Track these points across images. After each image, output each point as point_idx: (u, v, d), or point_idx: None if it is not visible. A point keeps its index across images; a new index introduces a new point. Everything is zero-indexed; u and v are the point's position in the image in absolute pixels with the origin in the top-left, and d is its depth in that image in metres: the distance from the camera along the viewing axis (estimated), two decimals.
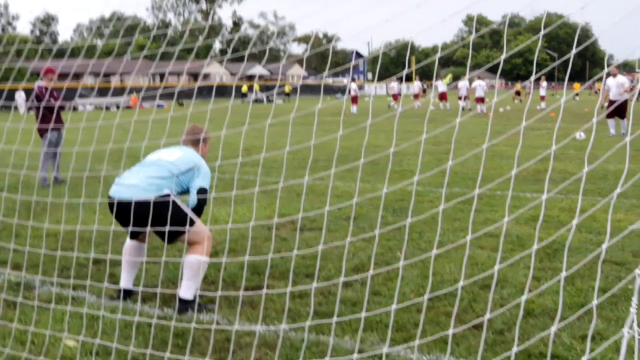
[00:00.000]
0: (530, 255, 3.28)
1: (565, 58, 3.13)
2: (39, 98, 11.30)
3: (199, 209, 5.27)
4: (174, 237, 5.03)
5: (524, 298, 2.93)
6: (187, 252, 5.17)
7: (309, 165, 4.35)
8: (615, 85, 19.44)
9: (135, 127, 4.71)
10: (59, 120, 11.65)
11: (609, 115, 18.99)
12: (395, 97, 43.56)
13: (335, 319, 3.87)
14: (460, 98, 36.54)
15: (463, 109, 34.25)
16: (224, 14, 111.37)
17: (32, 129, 8.80)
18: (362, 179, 11.43)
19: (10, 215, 6.36)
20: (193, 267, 5.05)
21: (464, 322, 4.64)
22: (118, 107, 43.66)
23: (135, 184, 5.09)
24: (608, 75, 19.70)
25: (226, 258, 5.50)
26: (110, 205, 5.15)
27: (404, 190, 9.50)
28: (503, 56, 3.26)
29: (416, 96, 43.02)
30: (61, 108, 12.01)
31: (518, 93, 48.18)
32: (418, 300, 3.92)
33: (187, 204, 5.20)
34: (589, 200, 8.89)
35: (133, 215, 4.89)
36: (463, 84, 36.20)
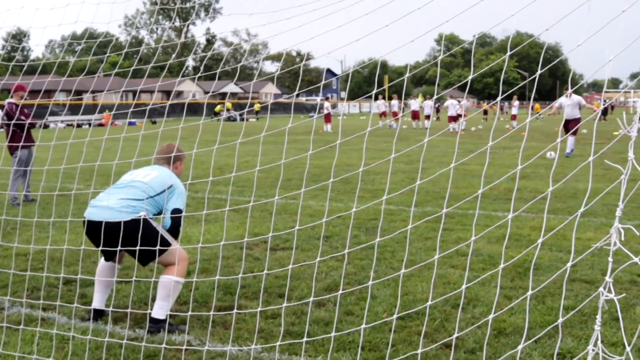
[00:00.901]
0: (502, 274, 3.32)
1: (531, 78, 3.19)
2: (9, 115, 11.20)
3: (175, 230, 5.25)
4: (149, 258, 5.02)
5: (491, 317, 2.96)
6: (162, 272, 5.17)
7: (280, 184, 4.37)
8: (570, 105, 19.62)
9: (107, 145, 4.70)
10: (29, 138, 11.54)
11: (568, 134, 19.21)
12: (395, 114, 43.63)
13: (305, 339, 3.87)
14: (427, 117, 38.75)
15: (430, 128, 35.56)
16: (197, 32, 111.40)
17: (1, 146, 8.70)
18: (335, 198, 11.45)
19: None
20: (167, 287, 5.04)
21: (437, 342, 4.66)
22: (90, 125, 43.37)
23: (109, 205, 5.07)
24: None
25: (198, 278, 5.49)
26: (85, 227, 5.15)
27: (377, 209, 9.54)
28: (471, 76, 3.34)
29: (383, 114, 43.14)
30: (32, 125, 11.90)
31: (486, 112, 48.89)
32: (388, 320, 3.94)
33: (162, 225, 5.18)
34: (559, 219, 9.00)
35: (109, 237, 4.86)
36: (427, 103, 37.80)
